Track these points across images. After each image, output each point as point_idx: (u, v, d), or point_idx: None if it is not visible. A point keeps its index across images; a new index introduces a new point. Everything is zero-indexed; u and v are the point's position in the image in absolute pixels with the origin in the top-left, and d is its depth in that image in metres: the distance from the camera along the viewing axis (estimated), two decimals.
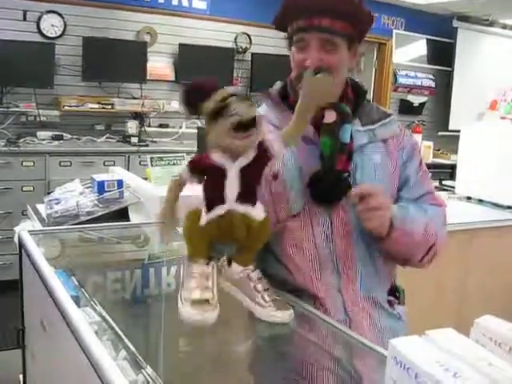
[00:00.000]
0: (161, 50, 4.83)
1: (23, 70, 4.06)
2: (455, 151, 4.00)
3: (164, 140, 4.80)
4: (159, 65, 4.83)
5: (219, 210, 1.01)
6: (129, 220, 2.14)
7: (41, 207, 2.24)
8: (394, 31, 6.11)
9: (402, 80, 6.22)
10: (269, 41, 5.05)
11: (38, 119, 4.28)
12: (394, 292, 1.40)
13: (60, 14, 4.33)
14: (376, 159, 1.30)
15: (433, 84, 6.43)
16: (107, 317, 1.12)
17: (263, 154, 1.01)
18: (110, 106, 4.52)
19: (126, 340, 1.02)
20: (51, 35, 4.34)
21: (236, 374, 1.08)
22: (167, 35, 4.81)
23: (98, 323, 1.10)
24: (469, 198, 3.26)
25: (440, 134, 6.24)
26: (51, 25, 4.34)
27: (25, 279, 1.55)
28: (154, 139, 4.72)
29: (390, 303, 1.36)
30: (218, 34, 5.01)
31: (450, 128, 6.13)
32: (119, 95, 4.63)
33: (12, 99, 4.22)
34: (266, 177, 1.15)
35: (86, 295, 1.24)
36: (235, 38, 5.13)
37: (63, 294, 1.13)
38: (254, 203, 1.03)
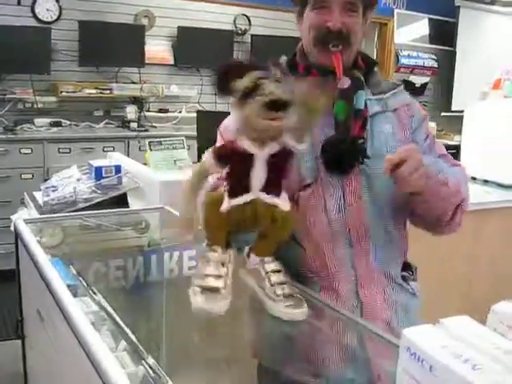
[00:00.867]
0: (159, 33, 4.74)
1: (19, 56, 3.97)
2: (458, 132, 3.94)
3: (164, 125, 4.75)
4: (158, 48, 4.75)
5: (244, 198, 0.98)
6: (128, 206, 2.11)
7: (38, 195, 2.21)
8: (396, 11, 6.01)
9: (404, 60, 6.13)
10: (268, 22, 4.97)
11: (35, 106, 4.22)
12: (408, 268, 1.36)
13: None
14: (387, 128, 1.28)
15: (435, 64, 6.33)
16: (107, 306, 1.10)
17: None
18: (108, 91, 4.45)
19: (126, 330, 1.00)
20: (47, 20, 4.26)
21: (240, 365, 1.05)
22: (165, 18, 4.72)
23: (96, 313, 1.08)
24: (474, 179, 3.21)
25: (443, 114, 6.17)
26: (46, 9, 4.26)
27: (21, 269, 1.53)
28: (154, 124, 4.68)
29: (404, 278, 1.33)
30: (216, 16, 4.93)
31: (453, 108, 6.06)
32: (117, 80, 4.57)
33: (8, 86, 4.16)
34: None
35: (85, 284, 1.21)
36: (234, 20, 5.05)
37: (59, 284, 1.11)
38: (279, 194, 1.01)
